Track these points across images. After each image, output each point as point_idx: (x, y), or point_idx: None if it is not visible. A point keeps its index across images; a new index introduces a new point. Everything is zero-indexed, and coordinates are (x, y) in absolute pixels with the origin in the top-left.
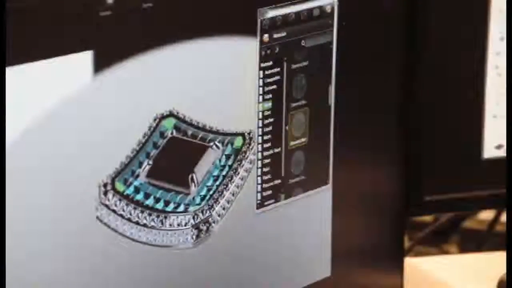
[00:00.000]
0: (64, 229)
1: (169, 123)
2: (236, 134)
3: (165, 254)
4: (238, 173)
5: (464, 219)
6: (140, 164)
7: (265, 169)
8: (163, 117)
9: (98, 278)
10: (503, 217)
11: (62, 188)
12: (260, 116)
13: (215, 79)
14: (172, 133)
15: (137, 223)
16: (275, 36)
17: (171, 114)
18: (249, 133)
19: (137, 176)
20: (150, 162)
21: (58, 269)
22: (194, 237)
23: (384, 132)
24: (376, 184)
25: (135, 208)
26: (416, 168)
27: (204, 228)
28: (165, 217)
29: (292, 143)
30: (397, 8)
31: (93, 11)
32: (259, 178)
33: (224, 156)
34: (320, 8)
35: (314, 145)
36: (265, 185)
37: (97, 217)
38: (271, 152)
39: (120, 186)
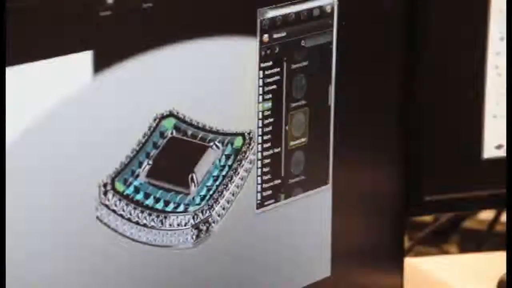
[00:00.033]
0: (64, 229)
1: (169, 123)
2: (236, 134)
3: (165, 254)
4: (238, 173)
5: (464, 219)
6: (140, 164)
7: (265, 169)
8: (163, 117)
9: (98, 278)
10: (503, 217)
11: (62, 188)
12: (260, 116)
13: (215, 79)
14: (172, 133)
15: (137, 223)
16: (275, 36)
17: (171, 114)
18: (249, 133)
19: (137, 176)
20: (150, 162)
21: (58, 269)
22: (194, 237)
23: (384, 132)
24: (376, 184)
25: (135, 208)
26: (416, 168)
27: (204, 228)
28: (165, 217)
29: (292, 143)
30: (397, 8)
31: (93, 11)
32: (259, 178)
33: (224, 156)
34: (320, 8)
35: (314, 145)
36: (265, 185)
37: (97, 217)
38: (271, 152)
39: (120, 186)
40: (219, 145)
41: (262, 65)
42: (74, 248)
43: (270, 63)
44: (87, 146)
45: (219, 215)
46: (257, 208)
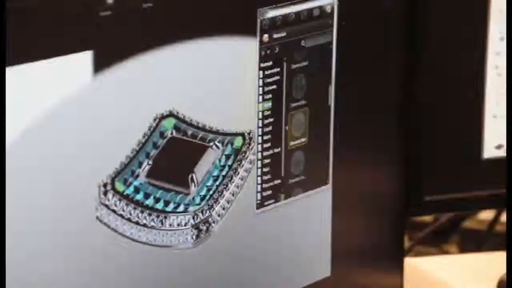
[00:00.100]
0: (64, 229)
1: (169, 123)
2: (236, 134)
3: (165, 254)
4: (238, 173)
5: (464, 219)
6: (140, 164)
7: (265, 169)
8: (163, 117)
9: (98, 278)
10: (503, 217)
11: (62, 188)
12: (260, 116)
13: (215, 79)
14: (172, 133)
15: (137, 223)
16: (275, 36)
17: (171, 114)
18: (249, 133)
19: (137, 176)
20: (150, 162)
21: (58, 269)
22: (194, 237)
23: (384, 132)
24: (376, 184)
25: (135, 208)
26: (416, 168)
27: (204, 228)
28: (165, 217)
29: (292, 143)
30: (397, 8)
31: (93, 11)
32: (259, 178)
33: (224, 156)
34: (320, 8)
35: (314, 145)
36: (265, 185)
37: (97, 217)
38: (271, 152)
39: (120, 186)
40: (219, 145)
41: (262, 65)
42: (74, 248)
43: (270, 63)
44: (87, 146)
45: (219, 215)
46: (257, 208)
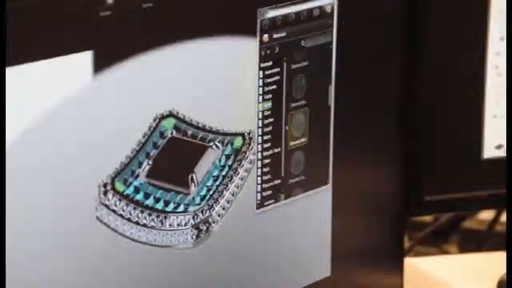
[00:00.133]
0: (64, 229)
1: (169, 123)
2: (236, 134)
3: (165, 254)
4: (238, 173)
5: (464, 219)
6: (140, 164)
7: (265, 169)
8: (163, 117)
9: (98, 278)
10: (503, 217)
11: (62, 188)
12: (260, 116)
13: (215, 79)
14: (172, 133)
15: (137, 223)
16: (275, 36)
17: (171, 114)
18: (249, 133)
19: (137, 176)
20: (150, 162)
21: (58, 269)
22: (194, 237)
23: (384, 132)
24: (376, 184)
25: (135, 208)
26: (416, 168)
27: (204, 228)
28: (165, 217)
29: (292, 143)
30: (397, 8)
31: (93, 11)
32: (259, 178)
33: (224, 156)
34: (320, 8)
35: (314, 145)
36: (265, 185)
37: (97, 217)
38: (271, 152)
39: (120, 186)
40: (219, 145)
41: (262, 65)
42: (74, 248)
43: (270, 63)
44: (87, 146)
45: (219, 215)
46: (257, 208)
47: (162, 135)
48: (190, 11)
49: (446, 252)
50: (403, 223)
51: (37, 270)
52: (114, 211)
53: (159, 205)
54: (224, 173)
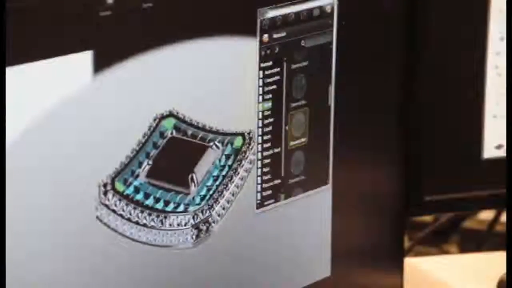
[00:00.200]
0: (64, 229)
1: (169, 123)
2: (236, 134)
3: (165, 254)
4: (238, 173)
5: (464, 219)
6: (140, 164)
7: (265, 169)
8: (163, 117)
9: (98, 278)
10: (503, 217)
11: (62, 188)
12: (260, 116)
13: (215, 79)
14: (172, 133)
15: (137, 223)
16: (275, 36)
17: (171, 114)
18: (249, 133)
19: (137, 176)
20: (150, 162)
21: (58, 269)
22: (194, 237)
23: (384, 132)
24: (376, 184)
25: (135, 208)
26: (416, 168)
27: (204, 228)
28: (165, 217)
29: (292, 143)
30: (397, 8)
31: (93, 11)
32: (259, 178)
33: (224, 156)
34: (320, 8)
35: (314, 145)
36: (265, 185)
37: (97, 217)
38: (271, 152)
39: (120, 186)
40: (219, 145)
41: (262, 65)
42: (74, 248)
43: (270, 63)
44: (87, 146)
45: (219, 215)
46: (257, 208)
47: (162, 135)
48: (190, 11)
49: (446, 252)
50: (403, 223)
51: (37, 270)
52: (114, 211)
53: (159, 205)
54: (224, 173)
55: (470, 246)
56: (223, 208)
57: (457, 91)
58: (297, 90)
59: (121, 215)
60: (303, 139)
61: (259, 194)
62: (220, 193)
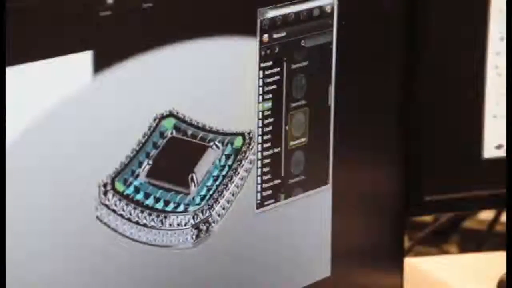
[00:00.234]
0: (63, 229)
1: (169, 123)
2: (236, 134)
3: (165, 254)
4: (238, 173)
5: (464, 219)
6: (140, 164)
7: (265, 169)
8: (163, 117)
9: (98, 278)
10: (503, 217)
11: (61, 188)
12: (260, 116)
13: (215, 79)
14: (172, 133)
15: (137, 223)
16: (275, 36)
17: (171, 114)
18: (249, 133)
19: (137, 176)
20: (150, 162)
21: (57, 269)
22: (194, 237)
23: (384, 132)
24: (376, 184)
25: (135, 208)
26: (416, 168)
27: (204, 228)
28: (165, 217)
29: (292, 143)
30: (397, 8)
31: (93, 11)
32: (259, 178)
33: (224, 156)
34: (320, 8)
35: (314, 145)
36: (265, 185)
37: (97, 217)
38: (271, 152)
39: (120, 186)
40: (219, 145)
41: (262, 65)
42: (74, 248)
43: (270, 63)
44: (87, 146)
45: (219, 215)
46: (257, 208)
47: (162, 135)
48: (190, 11)
49: (446, 252)
50: (403, 223)
51: (37, 270)
52: (114, 211)
53: (159, 205)
54: (224, 173)
55: (470, 246)
56: (223, 208)
57: (457, 91)
58: (297, 90)
59: (121, 215)
60: (303, 139)
61: (259, 194)
62: (220, 193)
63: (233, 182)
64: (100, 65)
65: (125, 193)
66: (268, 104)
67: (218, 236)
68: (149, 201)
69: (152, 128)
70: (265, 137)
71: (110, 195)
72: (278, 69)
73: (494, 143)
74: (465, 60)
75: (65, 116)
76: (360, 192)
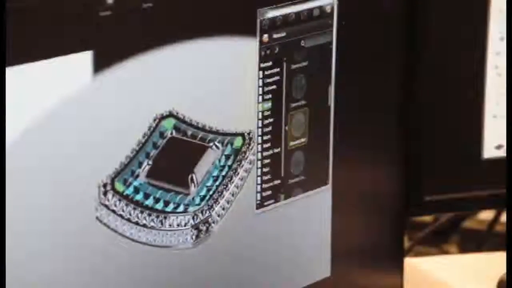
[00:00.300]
0: (63, 229)
1: (168, 123)
2: (235, 134)
3: (165, 254)
4: (238, 174)
5: (464, 219)
6: (140, 164)
7: (264, 169)
8: (163, 117)
9: (98, 278)
10: (503, 217)
11: (61, 188)
12: (260, 116)
13: (215, 79)
14: (171, 133)
15: (136, 223)
16: (275, 36)
17: (171, 114)
18: (248, 133)
19: (137, 176)
20: (150, 162)
21: (57, 269)
22: (193, 237)
23: (384, 132)
24: (376, 184)
25: (134, 208)
26: (416, 168)
27: (204, 228)
28: (165, 218)
29: (291, 143)
30: (397, 8)
31: (93, 11)
32: (258, 178)
33: (223, 156)
34: (320, 8)
35: (313, 145)
36: (264, 185)
37: (97, 217)
38: (270, 152)
39: (119, 186)
40: (219, 145)
41: (262, 65)
42: (73, 248)
43: (270, 63)
44: (87, 146)
45: (219, 215)
46: (257, 208)
47: (162, 135)
48: (190, 11)
49: (446, 252)
50: (403, 223)
51: (37, 270)
52: (114, 211)
53: (159, 205)
54: (224, 173)
55: (470, 246)
56: (223, 209)
57: (457, 91)
58: (297, 90)
59: (121, 216)
60: (303, 139)
61: (259, 195)
62: (220, 193)
63: (233, 182)
64: (100, 65)
65: (125, 194)
66: (268, 104)
67: (218, 236)
68: (149, 202)
69: (152, 128)
70: (265, 137)
71: (110, 195)
72: (278, 69)
73: (494, 143)
74: (465, 60)
75: (65, 116)
76: (360, 192)
